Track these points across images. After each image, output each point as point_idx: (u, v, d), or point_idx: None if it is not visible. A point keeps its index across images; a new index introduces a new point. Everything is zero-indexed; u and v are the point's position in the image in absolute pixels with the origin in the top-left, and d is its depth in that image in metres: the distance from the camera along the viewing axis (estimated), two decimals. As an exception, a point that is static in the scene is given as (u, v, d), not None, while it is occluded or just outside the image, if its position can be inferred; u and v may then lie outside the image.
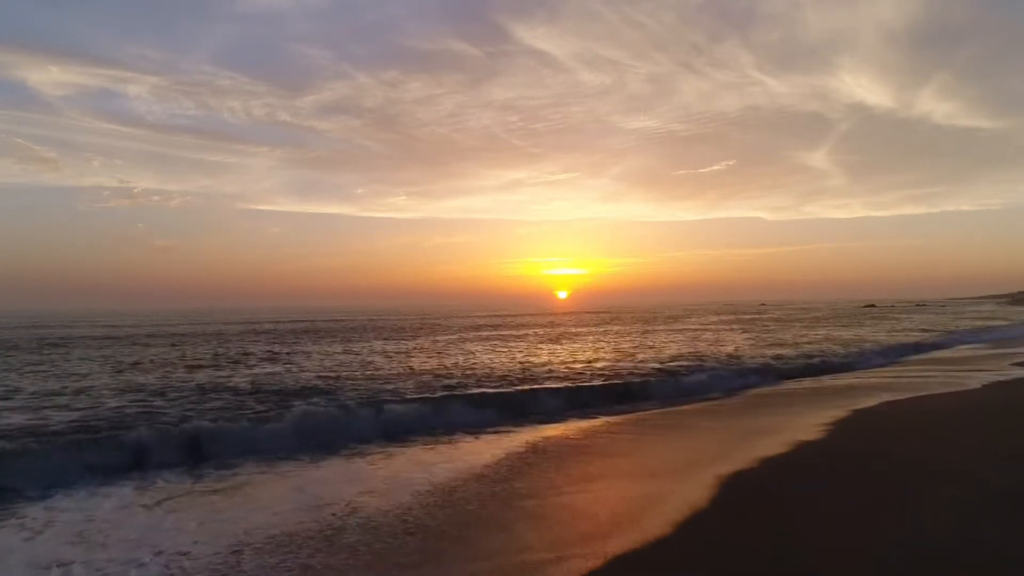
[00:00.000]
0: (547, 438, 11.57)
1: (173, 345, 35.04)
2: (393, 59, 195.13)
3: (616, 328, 52.74)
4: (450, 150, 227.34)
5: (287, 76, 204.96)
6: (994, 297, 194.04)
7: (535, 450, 10.49)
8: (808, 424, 11.94)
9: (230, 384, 18.17)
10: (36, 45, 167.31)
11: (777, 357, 25.07)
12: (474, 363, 23.93)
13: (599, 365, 22.67)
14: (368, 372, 21.05)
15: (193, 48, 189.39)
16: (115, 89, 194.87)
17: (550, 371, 20.85)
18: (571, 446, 11.00)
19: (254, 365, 23.93)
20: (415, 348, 32.53)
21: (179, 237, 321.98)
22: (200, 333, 47.66)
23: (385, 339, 39.70)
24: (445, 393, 15.74)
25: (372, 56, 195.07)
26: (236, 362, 25.28)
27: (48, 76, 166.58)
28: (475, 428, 12.56)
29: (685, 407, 14.89)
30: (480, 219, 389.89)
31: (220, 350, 31.42)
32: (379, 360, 25.60)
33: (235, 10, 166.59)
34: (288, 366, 23.58)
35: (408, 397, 15.01)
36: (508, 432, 12.28)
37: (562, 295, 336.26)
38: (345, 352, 30.33)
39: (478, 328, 54.38)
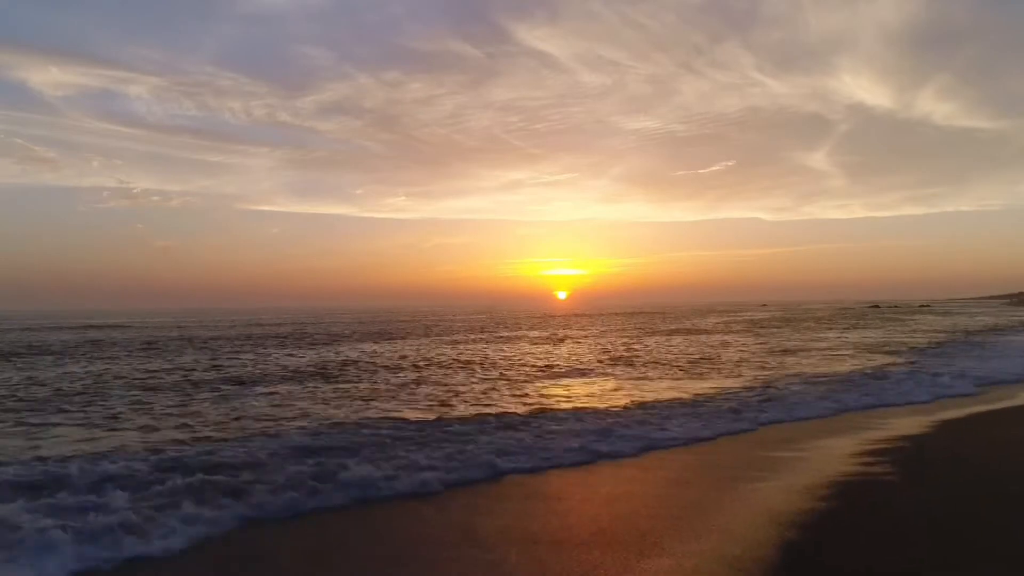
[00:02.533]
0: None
1: (146, 353, 32.83)
2: (394, 60, 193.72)
3: (613, 331, 50.46)
4: (450, 151, 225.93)
5: (288, 77, 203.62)
6: (996, 298, 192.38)
7: None
8: (858, 451, 9.70)
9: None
10: (36, 45, 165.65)
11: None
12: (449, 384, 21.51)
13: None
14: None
15: (194, 49, 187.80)
16: (115, 90, 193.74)
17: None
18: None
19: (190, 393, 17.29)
20: (392, 358, 30.24)
21: (179, 237, 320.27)
22: (181, 337, 45.38)
23: (371, 342, 37.40)
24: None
25: (373, 57, 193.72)
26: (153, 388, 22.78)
27: (48, 76, 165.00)
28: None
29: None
30: (480, 220, 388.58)
31: (167, 364, 29.17)
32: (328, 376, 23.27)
33: (236, 11, 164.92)
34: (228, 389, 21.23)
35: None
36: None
37: (562, 296, 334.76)
38: (315, 367, 28.05)
39: (473, 330, 52.04)
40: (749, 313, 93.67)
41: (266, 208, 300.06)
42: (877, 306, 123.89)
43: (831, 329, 47.06)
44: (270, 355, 28.63)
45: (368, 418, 12.86)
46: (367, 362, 25.28)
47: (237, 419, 13.04)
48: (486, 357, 27.29)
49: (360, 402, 15.19)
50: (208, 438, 11.02)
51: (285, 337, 42.94)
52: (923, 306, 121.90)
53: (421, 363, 24.69)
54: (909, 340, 34.48)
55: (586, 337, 41.94)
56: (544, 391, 17.09)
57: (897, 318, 67.29)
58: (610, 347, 32.61)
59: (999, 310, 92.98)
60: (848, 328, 48.27)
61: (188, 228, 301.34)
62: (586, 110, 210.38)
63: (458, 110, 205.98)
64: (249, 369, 22.91)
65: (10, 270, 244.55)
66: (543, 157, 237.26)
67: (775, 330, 46.81)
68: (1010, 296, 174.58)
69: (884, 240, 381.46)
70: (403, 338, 41.56)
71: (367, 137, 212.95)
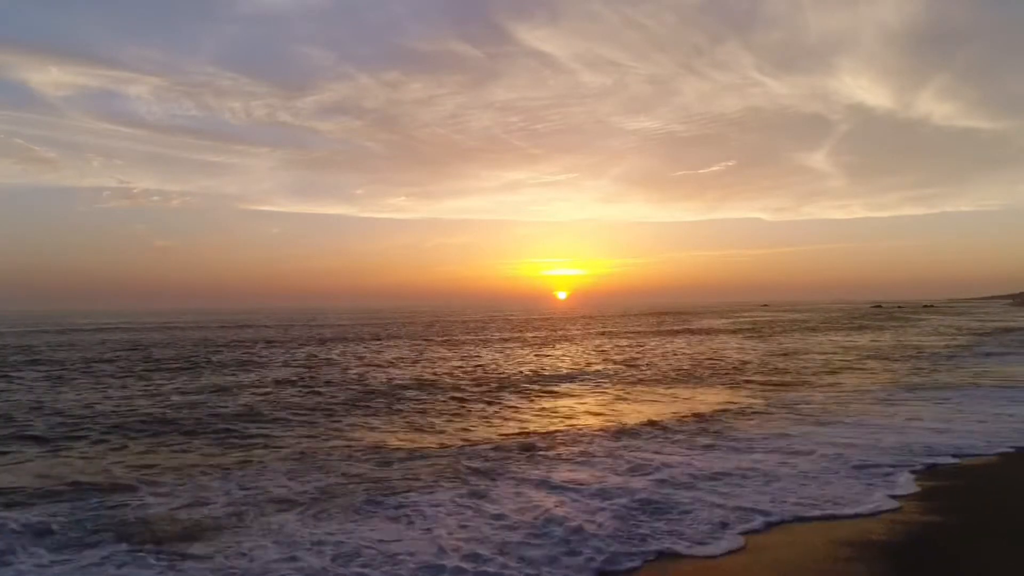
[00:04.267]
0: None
1: (115, 367, 31.07)
2: (394, 60, 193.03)
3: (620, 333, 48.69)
4: (450, 151, 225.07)
5: (288, 77, 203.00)
6: (996, 298, 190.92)
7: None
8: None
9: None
10: (36, 45, 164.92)
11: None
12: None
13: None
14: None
15: (194, 49, 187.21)
16: (116, 90, 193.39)
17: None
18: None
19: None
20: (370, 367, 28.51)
21: (179, 237, 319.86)
22: (161, 342, 43.62)
23: (361, 343, 35.63)
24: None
25: (373, 57, 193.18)
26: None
27: (49, 77, 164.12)
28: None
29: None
30: (480, 220, 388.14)
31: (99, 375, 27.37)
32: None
33: (236, 11, 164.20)
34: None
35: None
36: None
37: (562, 296, 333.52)
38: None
39: (477, 332, 50.28)
40: (754, 314, 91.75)
41: (266, 208, 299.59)
42: (880, 306, 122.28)
43: (842, 331, 45.37)
44: (264, 358, 26.90)
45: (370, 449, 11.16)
46: (369, 373, 23.56)
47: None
48: (498, 368, 25.59)
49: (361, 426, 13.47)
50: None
51: (279, 340, 41.20)
52: (927, 306, 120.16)
53: (428, 375, 22.98)
54: (948, 342, 32.79)
55: (591, 339, 40.20)
56: (550, 411, 15.40)
57: (906, 318, 65.63)
58: (624, 354, 30.89)
59: (1004, 311, 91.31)
60: (866, 330, 46.56)
61: (188, 228, 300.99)
62: (586, 110, 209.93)
63: (458, 110, 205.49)
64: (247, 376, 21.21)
65: (10, 270, 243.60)
66: (543, 157, 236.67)
67: (811, 334, 45.11)
68: (1012, 296, 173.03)
69: (884, 240, 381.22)
70: (412, 340, 39.83)
71: (367, 137, 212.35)
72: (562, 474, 8.81)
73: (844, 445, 10.24)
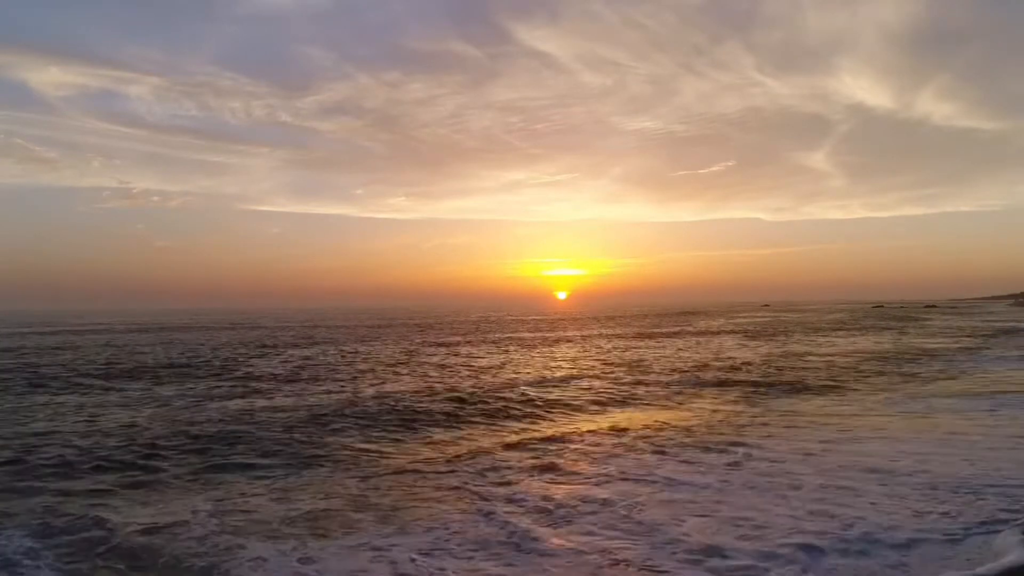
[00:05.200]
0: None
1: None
2: (394, 60, 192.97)
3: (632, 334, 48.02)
4: (450, 151, 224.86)
5: (288, 77, 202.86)
6: (998, 298, 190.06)
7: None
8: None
9: None
10: (36, 45, 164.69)
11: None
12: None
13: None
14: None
15: (195, 49, 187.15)
16: (116, 90, 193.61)
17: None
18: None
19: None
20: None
21: (179, 237, 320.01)
22: (152, 344, 43.00)
23: (358, 343, 34.98)
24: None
25: (373, 57, 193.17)
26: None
27: (48, 76, 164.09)
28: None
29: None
30: (480, 220, 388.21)
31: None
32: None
33: (237, 11, 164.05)
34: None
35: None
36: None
37: (562, 296, 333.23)
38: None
39: (471, 332, 49.63)
40: (755, 314, 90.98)
41: (266, 208, 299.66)
42: (881, 306, 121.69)
43: (846, 332, 44.71)
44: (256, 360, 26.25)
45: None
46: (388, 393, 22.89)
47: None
48: (499, 371, 24.92)
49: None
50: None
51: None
52: (929, 306, 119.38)
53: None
54: (956, 344, 32.11)
55: (592, 340, 39.56)
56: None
57: (908, 319, 64.97)
58: (626, 356, 30.20)
59: (1007, 311, 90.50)
60: (870, 330, 45.90)
61: (188, 228, 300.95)
62: (586, 110, 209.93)
63: (458, 110, 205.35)
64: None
65: (9, 270, 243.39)
66: (543, 157, 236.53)
67: (814, 335, 44.45)
68: (1013, 296, 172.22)
69: (884, 240, 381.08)
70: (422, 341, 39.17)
71: (367, 137, 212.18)
72: (594, 533, 6.66)
73: (913, 473, 8.56)
